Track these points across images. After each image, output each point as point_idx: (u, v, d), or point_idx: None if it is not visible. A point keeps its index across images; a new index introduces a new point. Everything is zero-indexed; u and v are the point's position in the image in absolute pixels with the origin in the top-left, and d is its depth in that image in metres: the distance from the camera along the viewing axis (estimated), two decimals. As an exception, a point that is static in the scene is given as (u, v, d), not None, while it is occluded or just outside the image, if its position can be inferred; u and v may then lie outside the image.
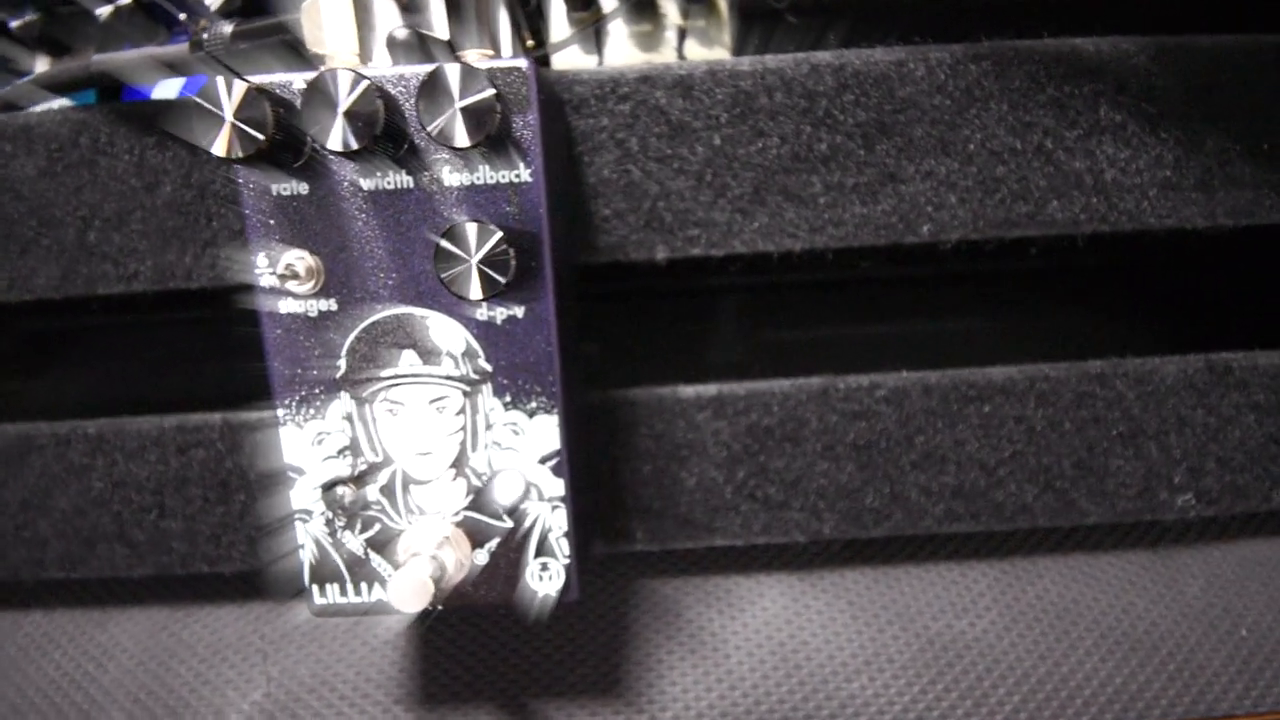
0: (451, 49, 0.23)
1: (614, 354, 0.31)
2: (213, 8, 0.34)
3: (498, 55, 0.22)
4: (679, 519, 0.30)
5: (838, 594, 0.32)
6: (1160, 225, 0.28)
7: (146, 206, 0.27)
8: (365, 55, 0.22)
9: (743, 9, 0.31)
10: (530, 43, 0.35)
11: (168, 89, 0.34)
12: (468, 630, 0.31)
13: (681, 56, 0.34)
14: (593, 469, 0.29)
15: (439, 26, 0.31)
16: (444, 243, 0.17)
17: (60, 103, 0.34)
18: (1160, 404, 0.30)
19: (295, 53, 0.23)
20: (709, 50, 0.34)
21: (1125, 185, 0.27)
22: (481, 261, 0.17)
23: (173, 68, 0.24)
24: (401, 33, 0.22)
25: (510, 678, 0.30)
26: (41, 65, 0.37)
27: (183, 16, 0.35)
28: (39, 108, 0.31)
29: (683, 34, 0.34)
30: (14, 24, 0.34)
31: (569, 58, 0.34)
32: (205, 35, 0.23)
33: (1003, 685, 0.29)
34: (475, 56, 0.22)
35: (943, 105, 0.26)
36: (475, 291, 0.17)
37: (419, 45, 0.22)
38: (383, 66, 0.19)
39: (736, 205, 0.27)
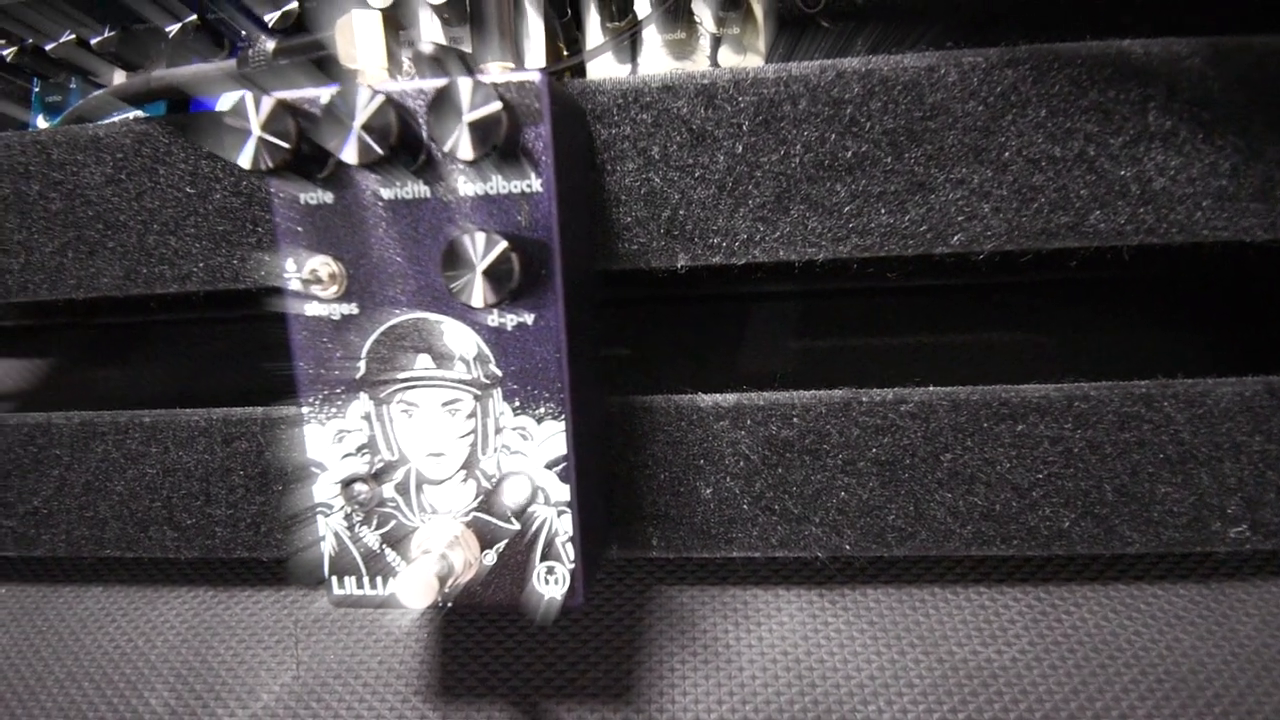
0: (472, 63, 0.23)
1: (643, 359, 0.32)
2: (270, 25, 0.37)
3: (520, 68, 0.22)
4: (695, 528, 0.30)
5: (859, 612, 0.31)
6: (1214, 237, 0.26)
7: (200, 212, 0.29)
8: (395, 69, 0.23)
9: (780, 15, 0.31)
10: (565, 52, 0.35)
11: (230, 101, 0.36)
12: (486, 628, 0.32)
13: (715, 64, 0.34)
14: (609, 473, 0.29)
15: (467, 40, 0.32)
16: (451, 252, 0.18)
17: (133, 114, 0.36)
18: (1213, 428, 0.28)
19: (333, 68, 0.24)
20: (743, 58, 0.34)
21: (1176, 195, 0.26)
22: (486, 270, 0.18)
23: (222, 82, 0.26)
24: (427, 47, 0.22)
25: (524, 676, 0.30)
26: (118, 79, 0.40)
27: (243, 33, 0.38)
28: (113, 118, 0.34)
29: (717, 42, 0.34)
30: (94, 40, 0.37)
31: (603, 67, 0.34)
32: (250, 52, 0.24)
33: (1030, 718, 0.27)
34: (497, 70, 0.22)
35: (975, 111, 0.25)
36: (479, 299, 0.18)
37: (444, 59, 0.22)
38: (402, 81, 0.20)
39: (758, 214, 0.27)
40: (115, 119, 0.32)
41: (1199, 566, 0.31)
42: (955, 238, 0.26)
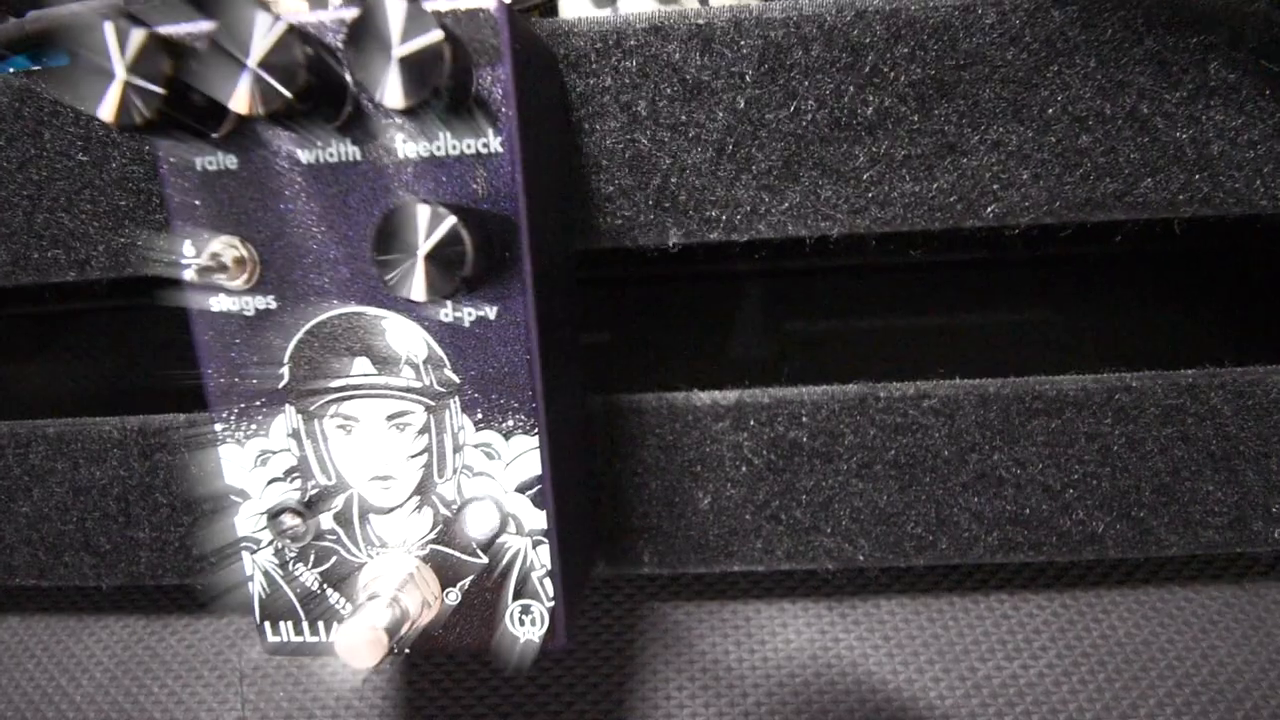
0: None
1: (623, 345, 0.28)
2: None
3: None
4: (691, 541, 0.26)
5: (871, 626, 0.28)
6: (1275, 209, 0.23)
7: (96, 184, 0.24)
8: None
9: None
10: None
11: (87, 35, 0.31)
12: (459, 656, 0.28)
13: (705, 4, 0.29)
14: (593, 483, 0.25)
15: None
16: (383, 231, 0.14)
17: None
18: (1261, 421, 0.25)
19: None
20: None
21: (1235, 160, 0.22)
22: (430, 254, 0.14)
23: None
24: (358, -27, 0.18)
25: (502, 710, 0.27)
26: None
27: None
28: None
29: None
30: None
31: (578, 6, 0.30)
32: (138, -19, 0.19)
33: (1061, 740, 0.25)
34: None
35: (1017, 61, 0.22)
36: (420, 291, 0.14)
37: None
38: (321, 11, 0.16)
39: (763, 181, 0.23)
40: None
41: (1231, 565, 0.29)
42: (989, 209, 0.23)
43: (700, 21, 0.22)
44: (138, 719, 0.28)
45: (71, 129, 0.24)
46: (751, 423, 0.25)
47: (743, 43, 0.22)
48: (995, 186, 0.23)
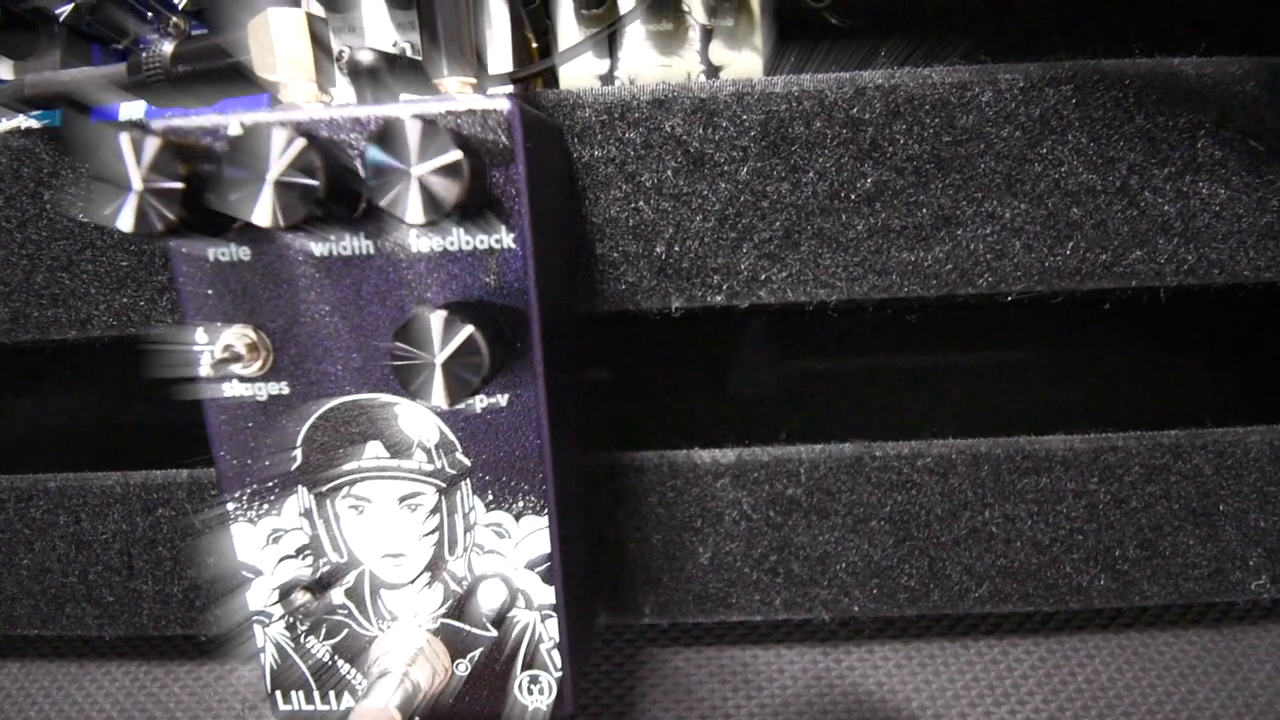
0: (425, 74, 0.19)
1: (625, 384, 0.28)
2: (179, 4, 0.31)
3: (482, 77, 0.18)
4: (692, 593, 0.27)
5: (865, 672, 0.29)
6: (1257, 279, 0.24)
7: (97, 245, 0.24)
8: (324, 81, 0.18)
9: (780, 8, 0.27)
10: (534, 44, 0.31)
11: (135, 109, 0.31)
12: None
13: (706, 60, 0.30)
14: (595, 537, 0.26)
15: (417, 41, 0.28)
16: (401, 336, 0.14)
17: (20, 121, 0.30)
18: (1240, 479, 0.26)
19: (245, 78, 0.19)
20: (738, 54, 0.30)
21: (1220, 232, 0.23)
22: (447, 363, 0.14)
23: (109, 90, 0.21)
24: (366, 55, 0.18)
25: (503, 760, 0.27)
26: (4, 70, 0.34)
27: (148, 14, 0.32)
28: (2, 125, 0.28)
29: (708, 34, 0.30)
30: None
31: (579, 62, 0.30)
32: (144, 56, 0.19)
33: (1047, 784, 0.26)
34: (455, 85, 0.18)
35: (1012, 137, 0.22)
36: (440, 398, 0.14)
37: (388, 69, 0.18)
38: (336, 106, 0.16)
39: (764, 250, 0.23)
40: (2, 126, 0.27)
41: (1210, 610, 0.30)
42: (982, 279, 0.23)
43: (703, 95, 0.22)
44: (140, 766, 0.28)
45: (71, 190, 0.24)
46: (750, 480, 0.26)
47: (745, 117, 0.22)
48: (989, 257, 0.23)
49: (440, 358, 0.14)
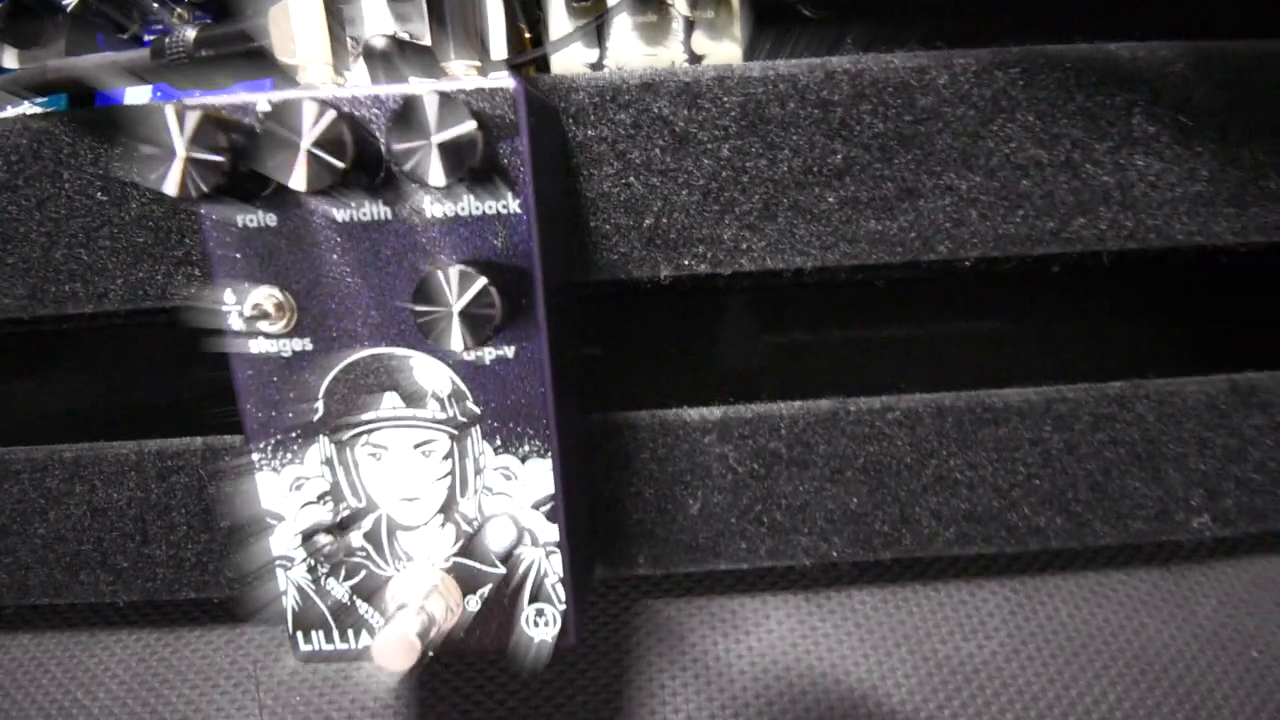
0: (434, 58, 0.21)
1: (616, 357, 0.30)
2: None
3: (486, 61, 0.20)
4: (682, 544, 0.29)
5: (845, 615, 0.31)
6: (1190, 242, 0.26)
7: (115, 222, 0.26)
8: (340, 65, 0.20)
9: (754, 0, 0.29)
10: (526, 34, 0.32)
11: (140, 94, 0.32)
12: (467, 658, 0.30)
13: (689, 49, 0.32)
14: (592, 492, 0.28)
15: (423, 28, 0.29)
16: (421, 289, 0.16)
17: (27, 106, 0.31)
18: (1180, 426, 0.28)
19: (266, 61, 0.21)
20: (718, 43, 0.32)
21: (1155, 200, 0.26)
22: (464, 311, 0.16)
23: (132, 75, 0.22)
24: (379, 40, 0.20)
25: (509, 705, 0.29)
26: (9, 58, 0.34)
27: (155, 5, 0.33)
28: (8, 111, 0.29)
29: (690, 26, 0.32)
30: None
31: (569, 51, 0.32)
32: (166, 41, 0.21)
33: (1011, 710, 0.28)
34: (461, 69, 0.20)
35: (966, 116, 0.24)
36: (457, 343, 0.16)
37: (399, 54, 0.20)
38: (355, 86, 0.18)
39: (744, 221, 0.25)
40: (7, 113, 0.28)
41: (1159, 551, 0.33)
42: (942, 245, 0.26)
43: (687, 79, 0.24)
44: (158, 726, 0.29)
45: (90, 169, 0.25)
46: (735, 435, 0.28)
47: (726, 99, 0.24)
48: (948, 225, 0.25)
49: (457, 307, 0.16)
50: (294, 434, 0.20)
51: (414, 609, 0.20)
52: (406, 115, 0.15)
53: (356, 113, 0.17)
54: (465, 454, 0.20)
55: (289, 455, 0.20)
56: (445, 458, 0.20)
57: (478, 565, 0.21)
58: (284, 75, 0.20)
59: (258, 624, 0.31)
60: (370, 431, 0.20)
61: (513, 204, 0.18)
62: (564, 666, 0.30)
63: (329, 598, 0.21)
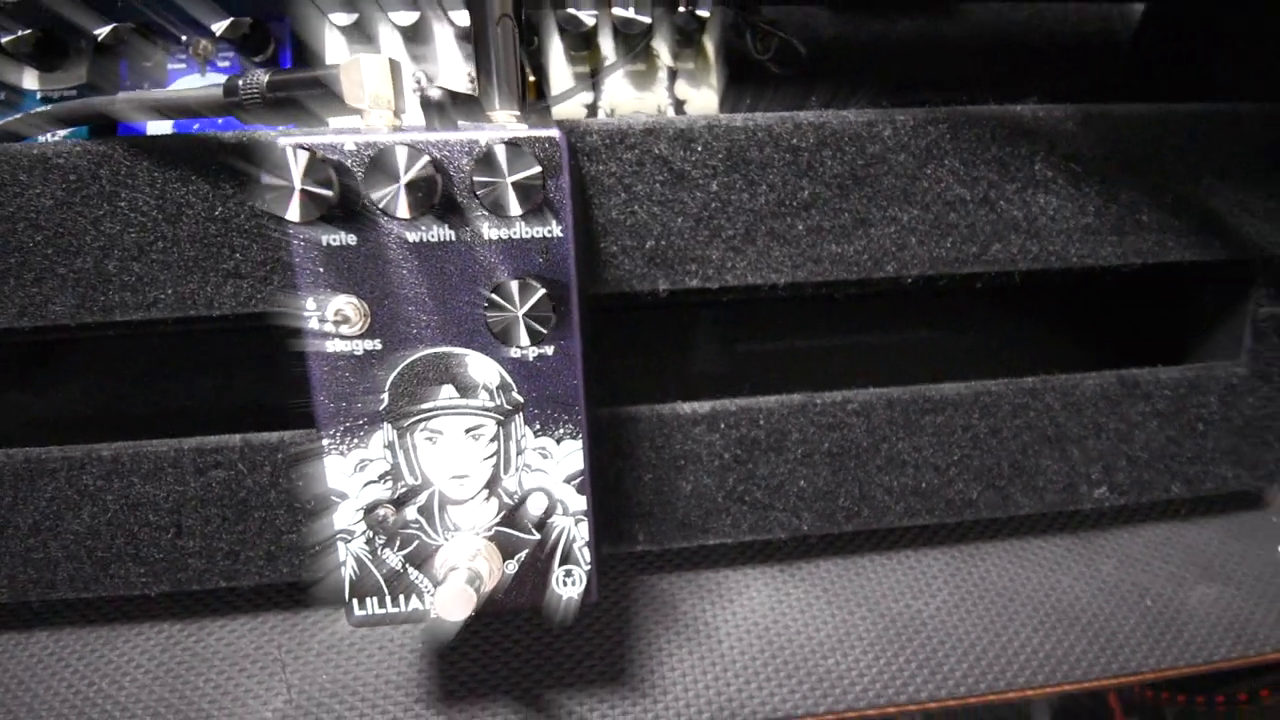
0: (480, 106, 0.25)
1: (606, 363, 0.34)
2: (218, 32, 0.35)
3: (523, 112, 0.24)
4: (676, 522, 0.33)
5: (814, 583, 0.36)
6: (1081, 263, 0.33)
7: (167, 237, 0.28)
8: (398, 110, 0.24)
9: (730, 56, 0.34)
10: (531, 77, 0.37)
11: (162, 127, 0.34)
12: (482, 630, 0.34)
13: (673, 95, 0.37)
14: (600, 478, 0.32)
15: (460, 77, 0.33)
16: (494, 297, 0.20)
17: (61, 135, 0.34)
18: (1080, 413, 0.35)
19: (319, 103, 0.24)
20: (697, 90, 0.37)
21: (1054, 230, 0.32)
22: (526, 314, 0.20)
23: (208, 109, 0.25)
24: (435, 92, 0.24)
25: (524, 672, 0.32)
26: (30, 80, 0.36)
27: (183, 38, 0.36)
28: (37, 140, 0.31)
29: (673, 74, 0.37)
30: (5, 39, 0.34)
31: (564, 89, 0.36)
32: (241, 82, 0.24)
33: (953, 656, 0.34)
34: (505, 118, 0.24)
35: (906, 161, 0.30)
36: (524, 339, 0.20)
37: (450, 103, 0.24)
38: (426, 132, 0.22)
39: (729, 244, 0.30)
40: (41, 141, 0.30)
41: (1069, 520, 0.39)
42: (889, 265, 0.31)
43: (683, 126, 0.29)
44: (186, 711, 0.31)
45: (146, 190, 0.28)
46: (722, 426, 0.32)
47: (714, 143, 0.29)
48: (893, 248, 0.31)
49: (521, 311, 0.20)
50: (361, 421, 0.23)
51: (464, 571, 0.23)
52: (486, 162, 0.19)
53: (436, 155, 0.21)
54: (509, 436, 0.24)
55: (355, 440, 0.24)
56: (492, 440, 0.24)
57: (516, 533, 0.25)
58: (315, 119, 0.24)
59: (316, 596, 0.33)
60: (429, 419, 0.24)
61: (556, 230, 0.22)
62: (573, 635, 0.33)
63: (384, 566, 0.25)
